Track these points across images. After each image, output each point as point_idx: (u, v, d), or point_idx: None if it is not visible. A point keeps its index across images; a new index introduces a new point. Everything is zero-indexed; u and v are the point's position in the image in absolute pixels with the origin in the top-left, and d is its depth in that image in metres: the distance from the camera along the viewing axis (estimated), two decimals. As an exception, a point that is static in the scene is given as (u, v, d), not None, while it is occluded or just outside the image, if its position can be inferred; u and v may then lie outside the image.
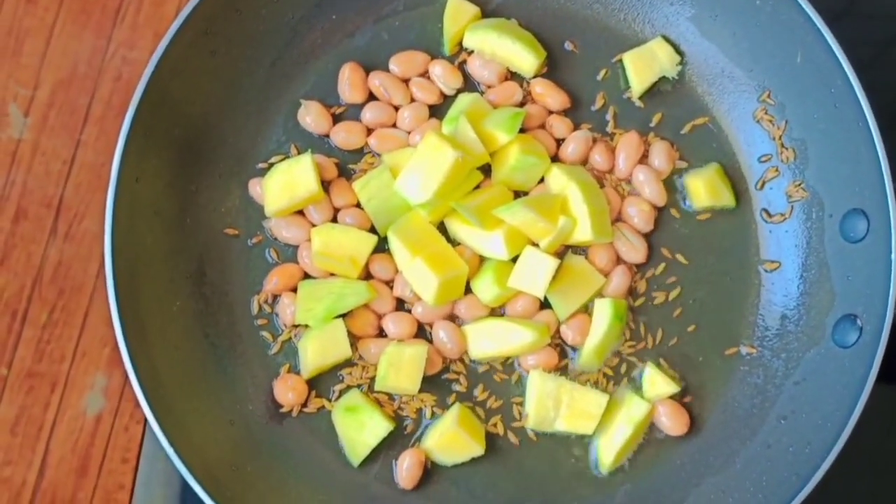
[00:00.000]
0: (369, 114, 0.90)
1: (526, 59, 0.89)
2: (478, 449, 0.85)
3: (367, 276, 0.88)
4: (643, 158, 0.89)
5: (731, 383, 0.87)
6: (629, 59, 0.90)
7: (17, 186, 0.95)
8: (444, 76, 0.90)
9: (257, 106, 0.90)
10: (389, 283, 0.87)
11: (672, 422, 0.86)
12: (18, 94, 0.97)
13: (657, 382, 0.86)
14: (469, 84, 0.91)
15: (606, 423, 0.85)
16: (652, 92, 0.90)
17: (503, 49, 0.89)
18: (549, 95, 0.89)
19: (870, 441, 0.78)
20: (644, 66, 0.89)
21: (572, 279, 0.86)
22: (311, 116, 0.89)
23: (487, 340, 0.86)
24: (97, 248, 0.93)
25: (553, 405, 0.85)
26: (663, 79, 0.90)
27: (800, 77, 0.85)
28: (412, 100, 0.90)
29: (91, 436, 0.92)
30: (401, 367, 0.84)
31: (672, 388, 0.86)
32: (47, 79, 0.97)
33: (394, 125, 0.90)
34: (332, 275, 0.87)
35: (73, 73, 0.98)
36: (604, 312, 0.86)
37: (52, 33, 0.98)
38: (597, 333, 0.86)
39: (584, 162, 0.89)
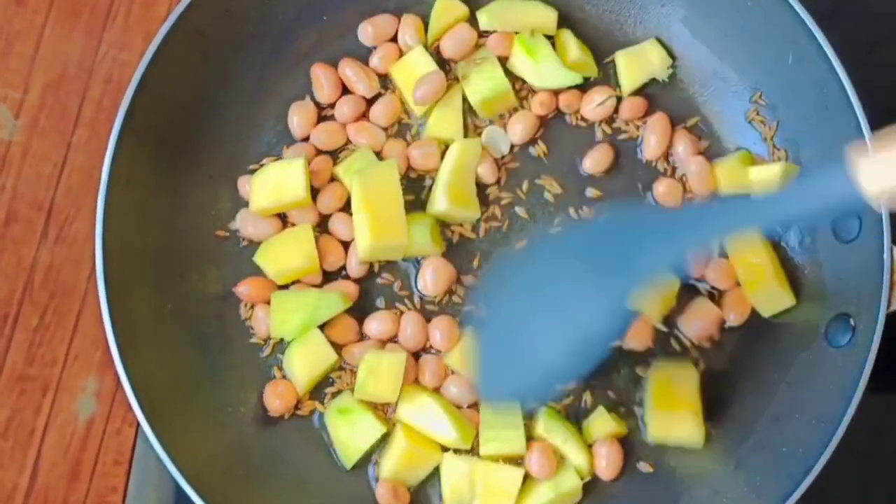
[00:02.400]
0: (345, 108, 0.89)
1: (545, 14, 0.88)
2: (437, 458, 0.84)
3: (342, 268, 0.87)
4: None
5: (723, 385, 0.87)
6: (621, 58, 0.89)
7: (7, 189, 0.95)
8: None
9: (248, 108, 0.89)
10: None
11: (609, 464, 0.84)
12: (8, 96, 0.97)
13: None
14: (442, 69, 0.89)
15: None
16: (643, 92, 0.90)
17: (519, 11, 0.88)
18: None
19: (863, 441, 0.78)
20: (635, 66, 0.89)
21: None
22: (297, 119, 0.89)
23: (419, 414, 0.83)
24: (88, 251, 0.92)
25: (468, 485, 0.82)
26: (654, 79, 0.90)
27: (791, 78, 0.84)
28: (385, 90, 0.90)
29: (83, 439, 0.92)
30: (379, 376, 0.83)
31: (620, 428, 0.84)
32: (37, 81, 0.97)
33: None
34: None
35: (64, 75, 0.97)
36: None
37: (42, 35, 0.98)
38: None
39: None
